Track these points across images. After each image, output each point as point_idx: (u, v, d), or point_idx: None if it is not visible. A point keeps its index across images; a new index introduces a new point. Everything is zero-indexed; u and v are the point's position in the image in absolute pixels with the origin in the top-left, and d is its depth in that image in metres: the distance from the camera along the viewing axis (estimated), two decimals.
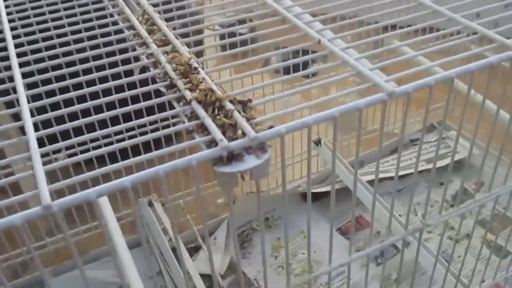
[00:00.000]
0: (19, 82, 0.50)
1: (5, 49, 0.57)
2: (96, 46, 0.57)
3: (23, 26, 0.62)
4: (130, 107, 0.46)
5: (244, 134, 0.40)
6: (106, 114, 0.45)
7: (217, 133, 0.40)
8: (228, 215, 1.09)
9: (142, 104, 0.46)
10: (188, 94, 0.45)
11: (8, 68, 0.52)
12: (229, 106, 0.43)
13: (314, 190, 1.11)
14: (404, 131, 0.52)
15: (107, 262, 1.05)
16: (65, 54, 0.56)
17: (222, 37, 0.94)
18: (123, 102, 0.48)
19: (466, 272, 1.00)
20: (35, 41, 0.60)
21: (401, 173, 1.12)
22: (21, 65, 0.53)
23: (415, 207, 1.13)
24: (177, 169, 0.38)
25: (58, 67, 0.54)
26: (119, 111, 0.45)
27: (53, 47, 0.58)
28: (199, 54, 0.62)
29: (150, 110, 0.48)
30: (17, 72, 0.51)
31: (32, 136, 0.43)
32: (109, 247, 0.85)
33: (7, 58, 0.55)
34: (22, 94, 0.48)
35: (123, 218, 1.09)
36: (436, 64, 0.49)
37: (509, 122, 0.61)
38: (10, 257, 1.00)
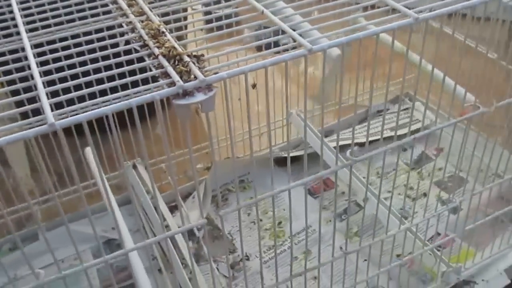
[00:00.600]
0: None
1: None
2: (84, 17, 0.75)
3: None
4: (112, 60, 0.64)
5: (196, 78, 0.58)
6: (91, 66, 0.63)
7: (176, 77, 0.58)
8: (206, 178, 1.28)
9: (123, 58, 0.64)
10: (156, 51, 0.63)
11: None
12: (186, 58, 0.61)
13: (283, 154, 1.30)
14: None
15: (96, 218, 1.23)
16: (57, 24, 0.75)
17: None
18: (106, 59, 0.66)
19: (422, 226, 1.18)
20: (31, 14, 0.78)
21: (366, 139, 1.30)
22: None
23: (378, 170, 1.31)
24: (145, 101, 0.56)
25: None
26: (103, 63, 0.63)
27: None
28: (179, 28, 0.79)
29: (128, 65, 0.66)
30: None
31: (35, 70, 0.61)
32: (106, 204, 1.02)
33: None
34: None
35: (110, 179, 1.28)
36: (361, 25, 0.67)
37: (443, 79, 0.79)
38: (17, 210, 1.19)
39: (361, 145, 1.38)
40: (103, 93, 0.60)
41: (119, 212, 1.00)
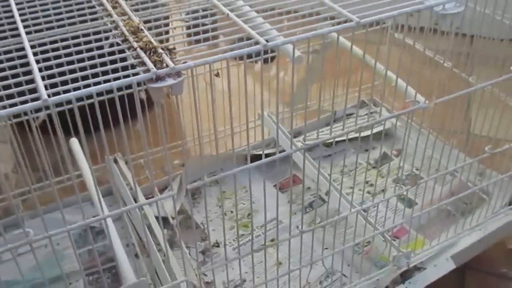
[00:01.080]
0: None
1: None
2: (72, 17, 0.88)
3: None
4: (96, 52, 0.76)
5: (167, 66, 0.71)
6: (79, 56, 0.75)
7: (150, 65, 0.70)
8: (181, 172, 1.40)
9: (106, 50, 0.76)
10: (135, 44, 0.75)
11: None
12: (160, 51, 0.73)
13: (255, 153, 1.42)
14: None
15: (76, 208, 1.34)
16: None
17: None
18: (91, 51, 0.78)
19: (379, 219, 1.30)
20: (24, 14, 0.90)
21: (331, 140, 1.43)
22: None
23: (343, 168, 1.44)
24: (125, 84, 0.68)
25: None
26: (89, 54, 0.75)
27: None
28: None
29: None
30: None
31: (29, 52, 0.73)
32: (91, 194, 1.13)
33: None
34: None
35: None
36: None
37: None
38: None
39: (328, 145, 1.52)
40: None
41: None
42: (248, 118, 1.48)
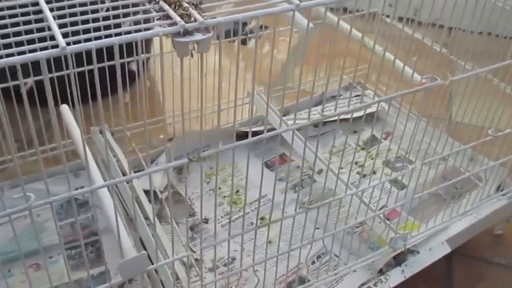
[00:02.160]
0: None
1: None
2: None
3: None
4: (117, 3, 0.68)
5: (195, 20, 0.62)
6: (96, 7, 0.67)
7: (177, 18, 0.62)
8: (169, 146, 1.31)
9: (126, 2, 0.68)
10: None
11: None
12: (186, 4, 0.65)
13: (242, 129, 1.34)
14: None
15: (61, 178, 1.25)
16: None
17: None
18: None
19: (372, 201, 1.24)
20: None
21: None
22: None
23: (332, 148, 1.38)
24: (150, 36, 0.60)
25: None
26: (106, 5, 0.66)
27: None
28: None
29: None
30: None
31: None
32: (83, 160, 1.04)
33: None
34: None
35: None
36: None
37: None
38: None
39: (316, 125, 1.45)
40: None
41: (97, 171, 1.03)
42: (237, 96, 1.44)
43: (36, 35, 0.61)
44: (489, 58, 1.02)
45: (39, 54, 0.56)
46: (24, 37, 0.61)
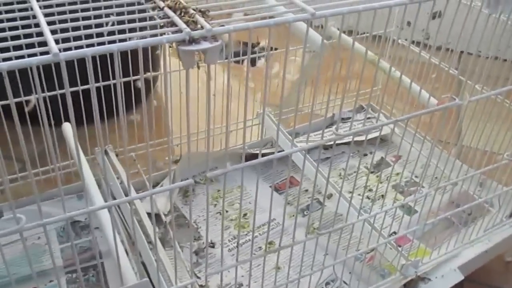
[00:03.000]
0: None
1: None
2: None
3: None
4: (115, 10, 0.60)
5: (202, 28, 0.55)
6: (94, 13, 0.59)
7: (182, 25, 0.54)
8: (175, 169, 1.23)
9: (126, 9, 0.60)
10: (162, 3, 0.59)
11: None
12: (192, 11, 0.57)
13: (252, 152, 1.26)
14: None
15: (59, 201, 1.16)
16: None
17: None
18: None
19: (380, 225, 1.16)
20: None
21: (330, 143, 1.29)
22: None
23: (341, 171, 1.29)
24: (153, 44, 0.52)
25: None
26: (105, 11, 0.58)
27: None
28: None
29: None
30: None
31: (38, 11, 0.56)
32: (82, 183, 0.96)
33: None
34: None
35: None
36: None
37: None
38: None
39: (326, 148, 1.36)
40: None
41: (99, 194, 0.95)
42: (244, 116, 1.36)
43: (27, 40, 0.53)
44: (496, 82, 0.95)
45: (30, 60, 0.48)
46: (12, 43, 0.53)
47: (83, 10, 0.60)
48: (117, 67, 0.52)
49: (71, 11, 0.59)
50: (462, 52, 0.86)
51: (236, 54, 1.30)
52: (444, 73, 1.12)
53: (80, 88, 1.10)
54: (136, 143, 1.23)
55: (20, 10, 0.61)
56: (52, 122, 0.88)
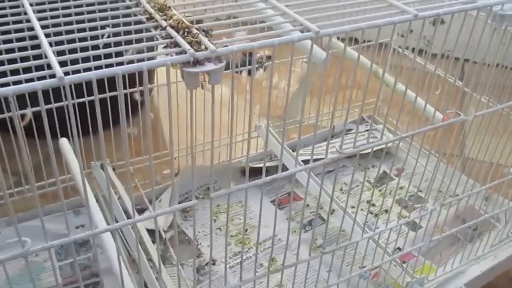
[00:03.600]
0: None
1: None
2: None
3: None
4: (120, 28, 0.61)
5: (206, 48, 0.56)
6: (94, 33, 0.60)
7: (186, 46, 0.56)
8: (174, 183, 1.24)
9: (125, 28, 0.61)
10: (164, 23, 0.60)
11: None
12: (195, 31, 0.59)
13: (253, 166, 1.27)
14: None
15: (60, 216, 1.17)
16: None
17: None
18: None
19: (383, 241, 1.17)
20: None
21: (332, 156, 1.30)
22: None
23: (342, 186, 1.30)
24: (157, 66, 0.53)
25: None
26: (110, 30, 0.60)
27: None
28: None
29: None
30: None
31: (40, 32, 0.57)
32: (82, 199, 0.96)
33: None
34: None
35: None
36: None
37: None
38: None
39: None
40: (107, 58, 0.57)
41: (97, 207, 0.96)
42: (244, 129, 1.36)
43: (31, 62, 0.54)
44: (502, 92, 0.96)
45: (35, 85, 0.49)
46: (18, 65, 0.54)
47: (85, 29, 0.61)
48: (120, 87, 0.53)
49: (70, 31, 0.60)
50: (467, 60, 0.87)
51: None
52: (447, 83, 1.14)
53: (76, 101, 1.12)
54: (133, 156, 1.24)
55: (15, 23, 0.62)
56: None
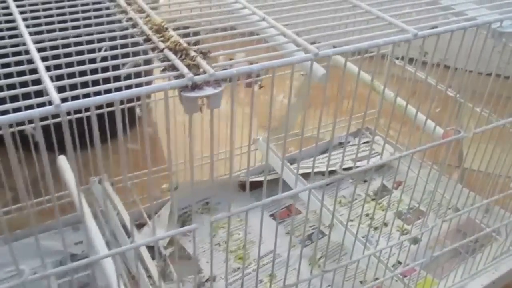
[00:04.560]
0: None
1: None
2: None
3: None
4: (117, 51, 0.60)
5: (204, 72, 0.55)
6: (88, 56, 0.59)
7: (184, 69, 0.55)
8: (173, 197, 1.23)
9: (123, 51, 0.60)
10: (161, 45, 0.60)
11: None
12: (193, 53, 0.58)
13: (251, 180, 1.26)
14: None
15: (56, 233, 1.16)
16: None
17: None
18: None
19: (384, 255, 1.16)
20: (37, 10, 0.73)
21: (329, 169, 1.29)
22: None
23: (340, 199, 1.30)
24: (154, 91, 0.53)
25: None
26: (106, 53, 0.59)
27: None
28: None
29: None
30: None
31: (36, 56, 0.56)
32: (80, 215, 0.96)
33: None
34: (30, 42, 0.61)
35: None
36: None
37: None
38: None
39: (322, 174, 1.37)
40: (105, 82, 0.56)
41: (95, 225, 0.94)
42: (242, 143, 1.36)
43: (27, 89, 0.53)
44: (499, 100, 0.95)
45: (32, 113, 0.48)
46: (14, 92, 0.53)
47: (83, 52, 0.60)
48: (118, 114, 0.52)
49: (68, 54, 0.60)
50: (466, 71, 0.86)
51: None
52: (443, 95, 1.13)
53: (74, 116, 1.11)
54: (131, 170, 1.23)
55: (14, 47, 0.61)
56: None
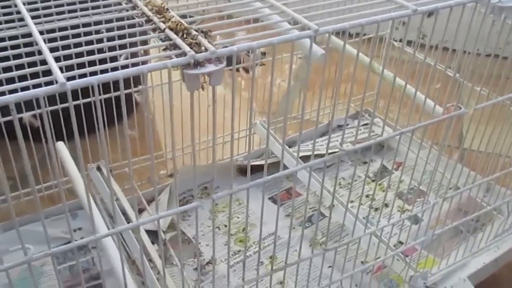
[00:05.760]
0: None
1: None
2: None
3: None
4: (115, 32, 0.62)
5: (206, 49, 0.57)
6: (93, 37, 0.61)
7: (186, 48, 0.57)
8: (171, 182, 1.25)
9: (122, 32, 0.62)
10: (162, 25, 0.61)
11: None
12: (194, 32, 0.60)
13: (251, 163, 1.28)
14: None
15: (56, 220, 1.18)
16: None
17: None
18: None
19: (385, 235, 1.18)
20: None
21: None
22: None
23: (340, 180, 1.32)
24: (158, 69, 0.54)
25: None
26: (105, 35, 0.61)
27: None
28: None
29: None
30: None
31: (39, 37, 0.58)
32: (82, 202, 0.97)
33: None
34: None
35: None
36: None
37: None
38: None
39: (322, 156, 1.39)
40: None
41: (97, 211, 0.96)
42: (240, 128, 1.38)
43: (31, 69, 0.55)
44: (497, 80, 0.97)
45: (37, 92, 0.50)
46: (16, 73, 0.55)
47: (86, 35, 0.62)
48: (122, 90, 0.54)
49: (74, 36, 0.61)
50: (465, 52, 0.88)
51: (229, 59, 1.33)
52: (443, 75, 1.15)
53: (72, 104, 1.12)
54: (130, 157, 1.24)
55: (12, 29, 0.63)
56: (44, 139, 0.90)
